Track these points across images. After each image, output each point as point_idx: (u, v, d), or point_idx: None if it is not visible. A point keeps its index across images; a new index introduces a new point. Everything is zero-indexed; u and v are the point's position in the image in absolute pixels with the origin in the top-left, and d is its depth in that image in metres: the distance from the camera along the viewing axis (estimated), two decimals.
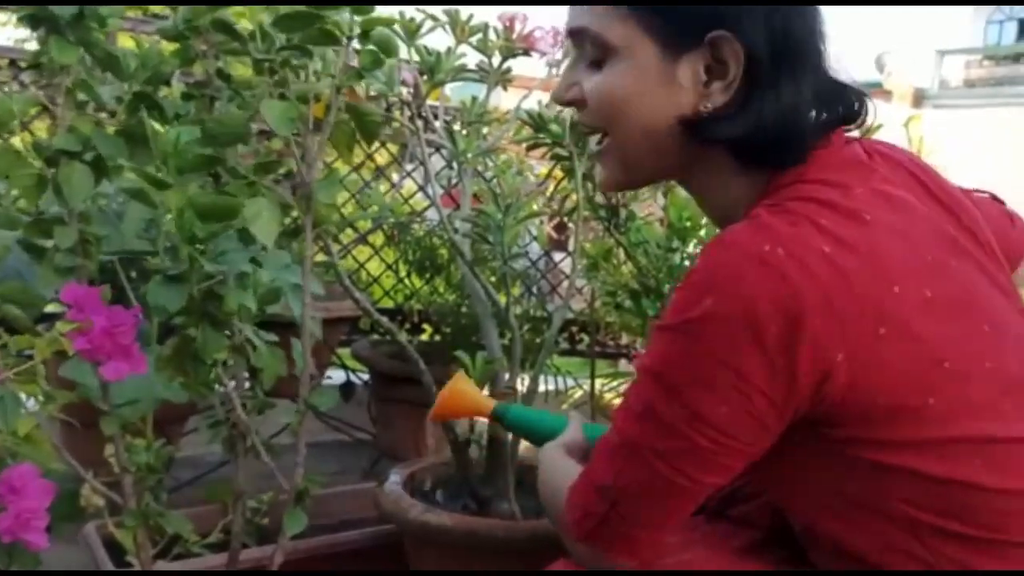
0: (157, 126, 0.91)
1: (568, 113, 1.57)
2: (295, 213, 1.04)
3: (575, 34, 0.81)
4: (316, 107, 0.96)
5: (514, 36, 1.50)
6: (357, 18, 0.93)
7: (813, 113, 0.79)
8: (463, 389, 1.15)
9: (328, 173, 1.01)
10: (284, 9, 0.89)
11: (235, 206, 0.87)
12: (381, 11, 0.95)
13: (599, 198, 1.79)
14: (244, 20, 0.98)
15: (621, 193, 1.84)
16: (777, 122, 0.77)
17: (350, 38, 0.93)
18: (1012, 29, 19.63)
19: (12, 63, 1.82)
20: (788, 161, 0.78)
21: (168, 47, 1.00)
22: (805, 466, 0.75)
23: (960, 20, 20.27)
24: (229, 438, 1.05)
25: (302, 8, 0.88)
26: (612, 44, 0.78)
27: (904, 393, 0.69)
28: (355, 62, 0.98)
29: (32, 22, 0.87)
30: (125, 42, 0.99)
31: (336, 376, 2.45)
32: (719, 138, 0.78)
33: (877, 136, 1.94)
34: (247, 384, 1.08)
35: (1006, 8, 19.58)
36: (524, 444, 1.41)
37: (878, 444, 0.70)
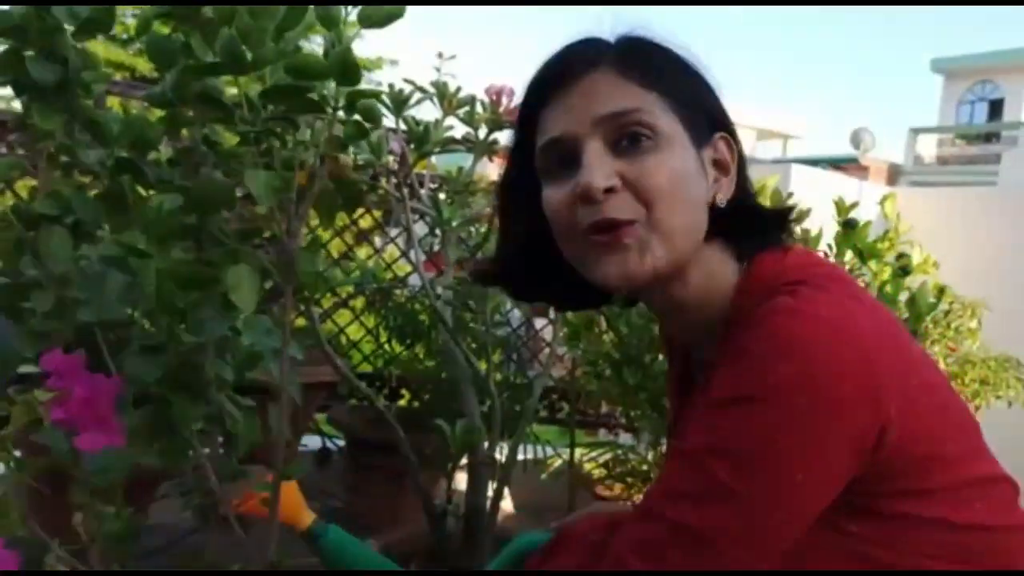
0: (140, 191, 0.92)
1: None
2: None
3: (613, 118, 0.77)
4: (300, 175, 0.97)
5: (501, 109, 1.53)
6: (343, 89, 0.94)
7: None
8: (286, 497, 1.13)
9: (311, 241, 1.01)
10: (271, 82, 0.90)
11: (215, 276, 0.87)
12: (366, 84, 0.97)
13: None
14: (231, 88, 0.99)
15: None
16: (755, 208, 0.84)
17: (335, 109, 0.94)
18: (983, 109, 20.24)
19: (1, 124, 1.82)
20: (774, 244, 0.83)
21: (156, 113, 1.00)
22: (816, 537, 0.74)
23: (933, 99, 20.88)
24: (200, 506, 1.02)
25: (290, 82, 0.89)
26: (660, 127, 0.77)
27: (934, 440, 0.74)
28: (339, 131, 0.99)
29: (16, 87, 0.88)
30: (114, 104, 0.99)
31: (312, 442, 2.41)
32: (736, 225, 0.81)
33: (853, 213, 1.98)
34: (221, 450, 1.06)
35: (977, 89, 20.19)
36: (502, 515, 1.39)
37: (906, 495, 0.73)
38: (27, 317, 0.87)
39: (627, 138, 0.77)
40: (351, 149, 1.10)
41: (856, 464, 0.71)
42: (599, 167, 0.76)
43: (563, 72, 0.80)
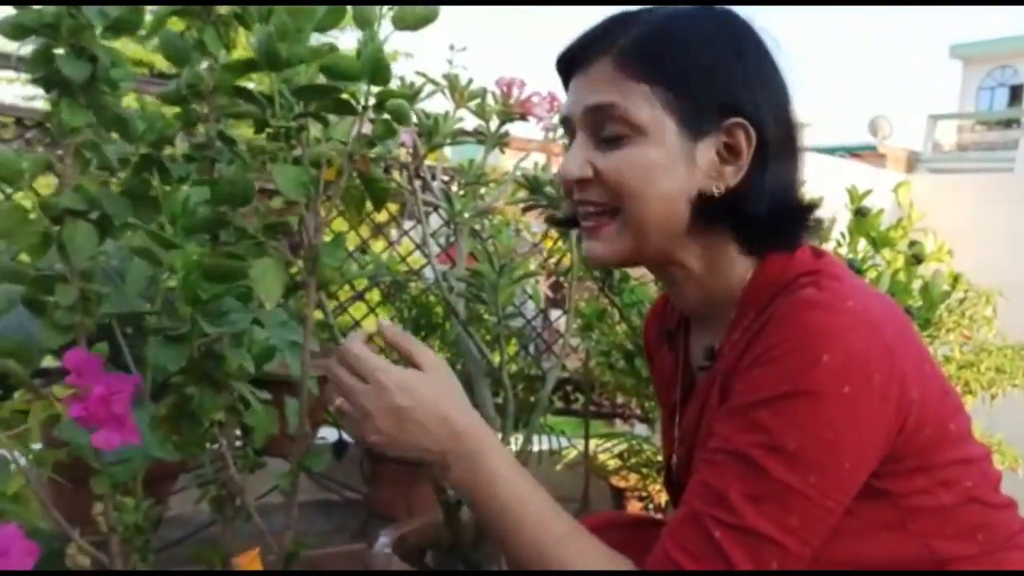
0: (163, 187, 0.93)
1: None
2: (292, 270, 1.06)
3: (595, 110, 0.81)
4: (328, 172, 0.98)
5: (511, 101, 1.53)
6: (374, 88, 0.95)
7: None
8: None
9: (334, 236, 1.02)
10: (304, 80, 0.91)
11: (242, 269, 0.88)
12: (395, 84, 0.98)
13: None
14: (245, 82, 1.00)
15: None
16: (779, 202, 0.82)
17: (366, 107, 0.95)
18: (1003, 95, 19.99)
19: (18, 122, 1.85)
20: (787, 242, 0.83)
21: (169, 109, 1.02)
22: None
23: (952, 85, 20.65)
24: (218, 498, 1.04)
25: (324, 83, 0.91)
26: (638, 122, 0.79)
27: (939, 422, 0.78)
28: (367, 129, 1.00)
29: (45, 84, 0.89)
30: (130, 101, 1.00)
31: (329, 434, 2.43)
32: (733, 217, 0.81)
33: (868, 201, 1.97)
34: (238, 442, 1.08)
35: (997, 75, 19.95)
36: None
37: (913, 472, 0.77)
38: (51, 310, 0.89)
39: (608, 130, 0.81)
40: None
41: (887, 446, 0.75)
42: (575, 158, 0.83)
43: (574, 56, 0.84)
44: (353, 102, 0.94)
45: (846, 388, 0.70)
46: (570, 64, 0.85)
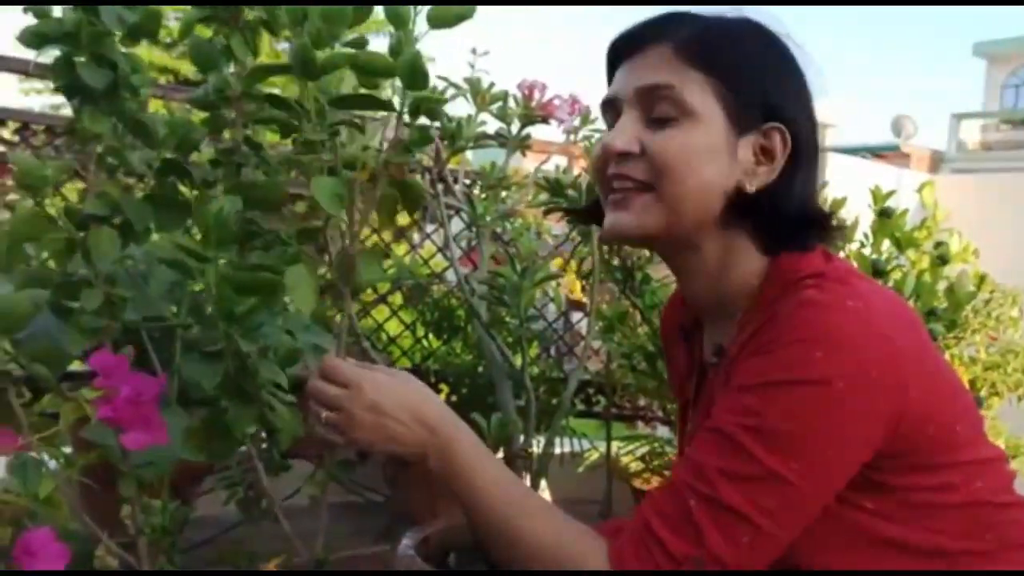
0: (188, 192, 0.94)
1: (585, 178, 1.60)
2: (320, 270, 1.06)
3: (650, 90, 0.83)
4: (359, 173, 0.98)
5: (533, 104, 1.54)
6: (410, 93, 0.94)
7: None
8: None
9: (372, 246, 1.01)
10: (337, 84, 0.91)
11: (275, 283, 0.88)
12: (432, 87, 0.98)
13: (615, 260, 1.81)
14: (270, 86, 1.01)
15: (636, 255, 1.86)
16: (804, 205, 0.85)
17: (400, 113, 0.95)
18: None
19: (48, 129, 1.87)
20: (803, 243, 0.84)
21: (197, 115, 1.03)
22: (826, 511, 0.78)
23: (975, 84, 20.44)
24: (245, 500, 1.05)
25: (359, 91, 0.91)
26: (691, 106, 0.82)
27: (944, 422, 0.78)
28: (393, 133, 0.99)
29: (67, 91, 0.90)
30: (156, 107, 1.01)
31: None
32: (760, 217, 0.84)
33: (892, 201, 1.95)
34: (263, 444, 1.09)
35: (1021, 73, 19.72)
36: None
37: (915, 469, 0.78)
38: (76, 315, 0.90)
39: (659, 110, 0.83)
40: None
41: (879, 442, 0.75)
42: (624, 132, 0.84)
43: (630, 41, 0.87)
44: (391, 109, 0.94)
45: (840, 383, 0.72)
46: (626, 46, 0.87)
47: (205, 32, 1.00)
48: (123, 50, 0.92)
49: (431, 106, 0.96)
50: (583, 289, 2.12)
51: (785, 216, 0.83)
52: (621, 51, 0.88)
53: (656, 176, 0.82)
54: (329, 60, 0.88)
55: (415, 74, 0.91)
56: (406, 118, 0.95)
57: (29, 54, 0.89)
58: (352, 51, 0.90)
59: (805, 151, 0.84)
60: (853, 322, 0.74)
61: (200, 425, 0.94)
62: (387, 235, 2.64)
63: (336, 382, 0.86)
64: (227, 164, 1.01)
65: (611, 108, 0.88)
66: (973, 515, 0.80)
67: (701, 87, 0.82)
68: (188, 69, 13.18)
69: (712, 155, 0.82)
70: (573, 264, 2.08)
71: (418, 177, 1.65)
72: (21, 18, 0.89)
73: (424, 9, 0.91)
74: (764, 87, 0.84)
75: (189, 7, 0.99)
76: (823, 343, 0.73)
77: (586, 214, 1.02)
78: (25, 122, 1.89)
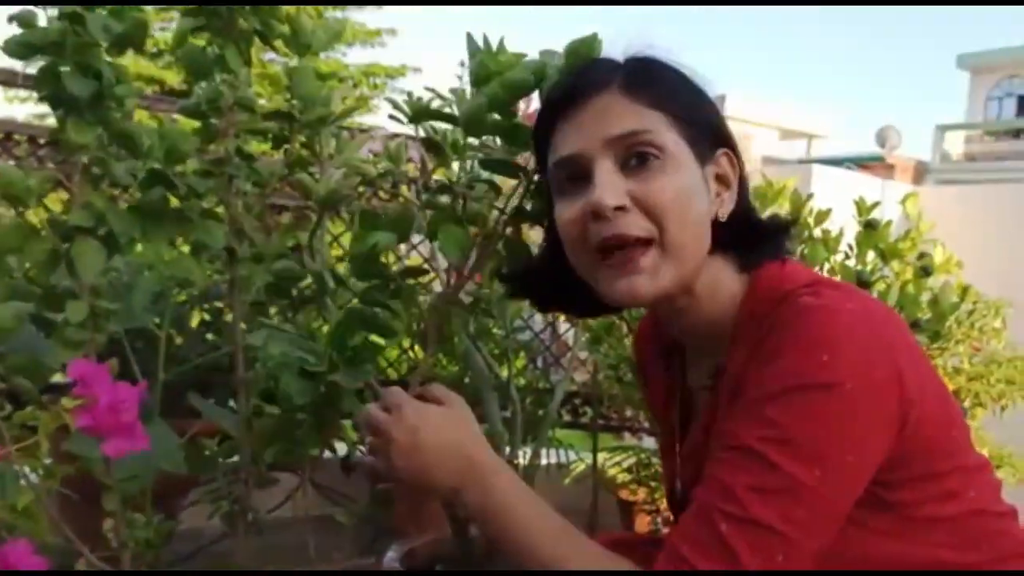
0: (176, 203, 0.94)
1: None
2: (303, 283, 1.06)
3: (622, 138, 0.80)
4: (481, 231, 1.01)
5: (520, 115, 1.54)
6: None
7: None
8: None
9: (473, 302, 1.04)
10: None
11: (391, 330, 0.96)
12: (391, 93, 1.00)
13: None
14: (259, 90, 1.01)
15: None
16: (755, 218, 0.88)
17: (530, 178, 0.97)
18: (1011, 105, 19.95)
19: (31, 139, 1.86)
20: (774, 252, 0.86)
21: (186, 124, 1.02)
22: None
23: (959, 95, 20.62)
24: (229, 513, 1.04)
25: (505, 156, 0.99)
26: (665, 147, 0.80)
27: (941, 424, 0.79)
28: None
29: (52, 101, 0.90)
30: (140, 117, 1.01)
31: (339, 448, 2.43)
32: (740, 237, 0.85)
33: (876, 212, 1.97)
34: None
35: (1005, 84, 19.93)
36: None
37: (916, 481, 0.78)
38: (61, 327, 0.89)
39: (636, 157, 0.80)
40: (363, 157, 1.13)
41: (890, 443, 0.76)
42: (609, 185, 0.79)
43: (574, 93, 0.83)
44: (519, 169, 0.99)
45: (848, 384, 0.72)
46: (567, 104, 0.83)
47: (198, 41, 1.00)
48: (108, 60, 0.91)
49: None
50: None
51: (753, 234, 0.85)
52: (560, 108, 0.83)
53: (656, 225, 0.79)
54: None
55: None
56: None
57: (12, 63, 0.89)
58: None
59: (742, 169, 0.87)
60: (852, 323, 0.75)
61: (274, 428, 0.96)
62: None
63: (385, 407, 0.85)
64: (218, 175, 1.00)
65: (567, 167, 0.83)
66: (970, 525, 0.80)
67: (667, 126, 0.81)
68: (174, 79, 13.14)
69: (696, 190, 0.82)
70: None
71: (404, 188, 1.65)
72: (6, 28, 0.89)
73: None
74: (706, 115, 0.85)
75: (178, 16, 0.99)
76: (827, 346, 0.73)
77: (545, 298, 1.00)
78: (8, 132, 1.88)
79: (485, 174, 1.05)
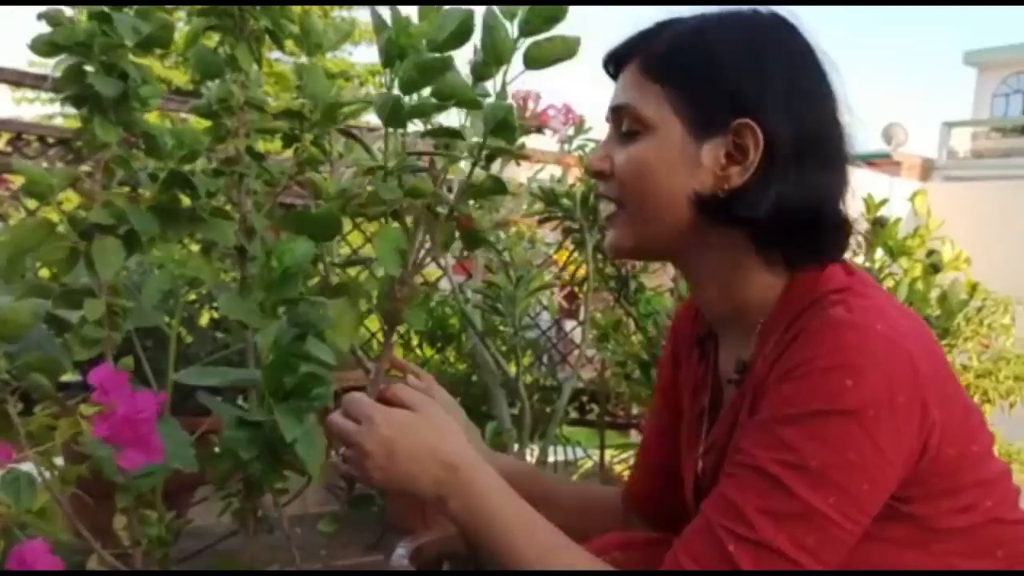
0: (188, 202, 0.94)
1: (579, 188, 1.60)
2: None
3: (617, 111, 0.87)
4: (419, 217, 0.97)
5: (527, 114, 1.54)
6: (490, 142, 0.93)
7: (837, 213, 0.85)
8: None
9: (423, 296, 0.98)
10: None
11: (327, 362, 0.86)
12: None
13: (609, 269, 1.81)
14: (268, 91, 1.01)
15: (631, 264, 1.86)
16: (800, 208, 0.81)
17: (476, 162, 0.95)
18: (1018, 101, 19.86)
19: (41, 139, 1.87)
20: (813, 256, 0.82)
21: (199, 123, 1.03)
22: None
23: (966, 92, 20.55)
24: (241, 511, 1.04)
25: (445, 128, 0.94)
26: (646, 120, 0.83)
27: (962, 441, 0.78)
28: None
29: (76, 101, 0.90)
30: (150, 117, 1.01)
31: None
32: (734, 217, 0.81)
33: (884, 210, 1.96)
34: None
35: (1012, 81, 19.86)
36: None
37: (936, 496, 0.77)
38: (78, 325, 0.89)
39: (625, 128, 0.85)
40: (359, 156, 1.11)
41: (910, 467, 0.75)
42: (597, 151, 0.90)
43: (612, 60, 0.90)
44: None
45: (871, 411, 0.71)
46: (614, 67, 0.90)
47: (208, 41, 1.00)
48: (135, 60, 0.91)
49: (505, 154, 0.96)
50: (576, 298, 2.12)
51: (755, 216, 0.80)
52: (612, 69, 0.90)
53: (619, 191, 0.86)
54: (419, 107, 0.90)
55: (504, 126, 0.90)
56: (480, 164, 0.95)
57: (22, 64, 0.89)
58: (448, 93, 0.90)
59: (792, 149, 0.80)
60: (881, 347, 0.73)
61: (224, 473, 0.93)
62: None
63: (353, 417, 0.84)
64: (229, 174, 1.00)
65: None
66: (986, 534, 0.80)
67: (657, 100, 0.83)
68: (181, 79, 13.16)
69: (665, 165, 0.82)
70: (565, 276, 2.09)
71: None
72: (15, 28, 0.89)
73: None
74: (727, 86, 0.81)
75: (184, 16, 0.99)
76: (853, 371, 0.72)
77: None
78: (19, 132, 1.89)
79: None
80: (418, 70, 0.87)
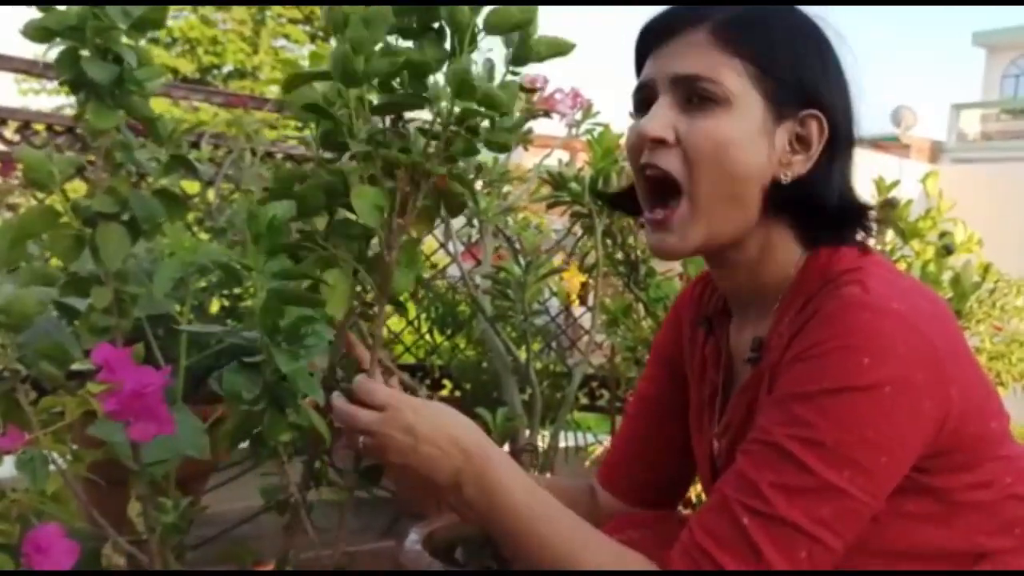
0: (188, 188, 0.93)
1: (587, 172, 1.59)
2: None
3: (685, 79, 0.81)
4: (401, 185, 0.95)
5: (535, 99, 1.53)
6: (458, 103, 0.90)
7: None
8: None
9: (408, 252, 0.96)
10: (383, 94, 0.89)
11: (320, 300, 0.86)
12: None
13: (618, 255, 1.81)
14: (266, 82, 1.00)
15: (640, 249, 1.86)
16: (842, 196, 0.84)
17: (446, 124, 0.90)
18: None
19: (48, 128, 1.87)
20: (842, 237, 0.83)
21: (205, 111, 1.02)
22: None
23: (975, 74, 20.41)
24: (269, 489, 1.04)
25: (404, 94, 0.88)
26: (727, 93, 0.80)
27: (981, 419, 0.79)
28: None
29: (72, 86, 0.90)
30: (160, 105, 1.01)
31: None
32: (799, 207, 0.82)
33: (895, 192, 1.95)
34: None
35: (1021, 63, 19.69)
36: None
37: (956, 470, 0.78)
38: (86, 314, 0.89)
39: (697, 97, 0.80)
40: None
41: (927, 443, 0.75)
42: (658, 118, 0.82)
43: (664, 27, 0.85)
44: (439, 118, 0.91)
45: (888, 387, 0.71)
46: (659, 33, 0.85)
47: (209, 31, 0.99)
48: (129, 43, 0.90)
49: (476, 117, 0.93)
50: (585, 284, 2.12)
51: (824, 207, 0.82)
52: (654, 36, 0.85)
53: (689, 167, 0.80)
54: (373, 69, 0.85)
55: (463, 85, 0.87)
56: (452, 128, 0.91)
57: (29, 54, 0.89)
58: (392, 54, 0.87)
59: (843, 140, 0.83)
60: (898, 326, 0.73)
61: (232, 430, 0.93)
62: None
63: (370, 405, 0.84)
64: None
65: (644, 93, 0.86)
66: (1004, 510, 0.80)
67: (738, 72, 0.80)
68: (187, 67, 13.18)
69: (748, 142, 0.80)
70: (574, 265, 2.08)
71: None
72: (23, 17, 0.88)
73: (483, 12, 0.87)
74: (801, 73, 0.82)
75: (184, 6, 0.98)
76: (870, 349, 0.72)
77: (619, 198, 1.00)
78: (26, 121, 1.89)
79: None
80: (365, 25, 0.84)
